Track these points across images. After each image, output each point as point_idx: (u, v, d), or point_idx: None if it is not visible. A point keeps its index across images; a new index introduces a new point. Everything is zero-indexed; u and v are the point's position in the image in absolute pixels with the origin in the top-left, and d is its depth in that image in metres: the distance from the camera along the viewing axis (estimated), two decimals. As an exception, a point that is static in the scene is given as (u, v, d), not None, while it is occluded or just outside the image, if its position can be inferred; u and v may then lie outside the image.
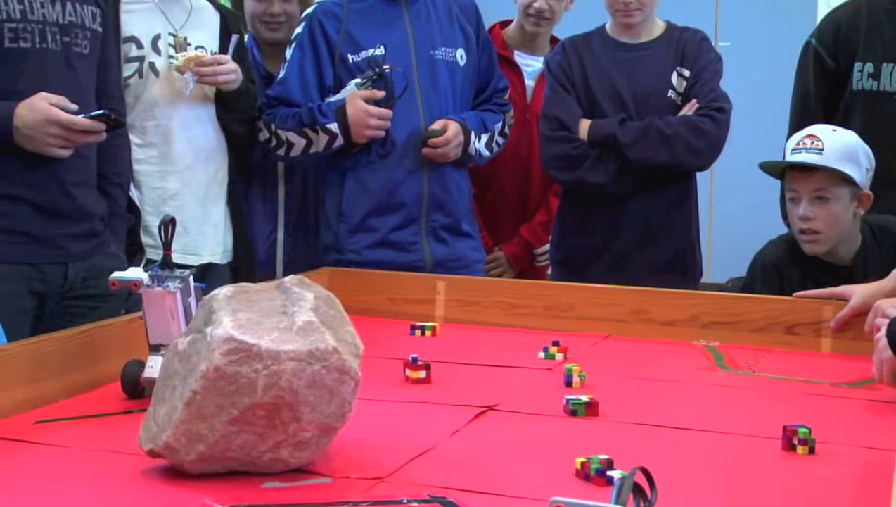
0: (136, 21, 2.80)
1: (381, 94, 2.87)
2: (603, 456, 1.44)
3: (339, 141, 2.89)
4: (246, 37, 3.26)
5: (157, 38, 2.82)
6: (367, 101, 2.86)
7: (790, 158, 2.69)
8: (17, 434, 1.57)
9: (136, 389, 1.77)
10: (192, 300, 1.78)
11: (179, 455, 1.38)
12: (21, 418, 1.66)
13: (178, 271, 1.78)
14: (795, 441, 1.57)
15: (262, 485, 1.38)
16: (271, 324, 1.39)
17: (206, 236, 2.90)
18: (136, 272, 1.78)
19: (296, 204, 3.17)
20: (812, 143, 2.64)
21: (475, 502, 1.34)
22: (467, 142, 2.97)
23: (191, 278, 1.78)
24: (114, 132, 2.49)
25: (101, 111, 2.34)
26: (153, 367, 1.72)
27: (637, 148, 2.97)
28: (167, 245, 1.77)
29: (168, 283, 1.76)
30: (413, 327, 2.39)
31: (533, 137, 3.35)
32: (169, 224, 1.77)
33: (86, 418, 1.68)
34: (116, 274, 1.78)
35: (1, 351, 1.75)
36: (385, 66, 2.88)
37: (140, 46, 2.80)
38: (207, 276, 2.87)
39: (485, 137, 3.04)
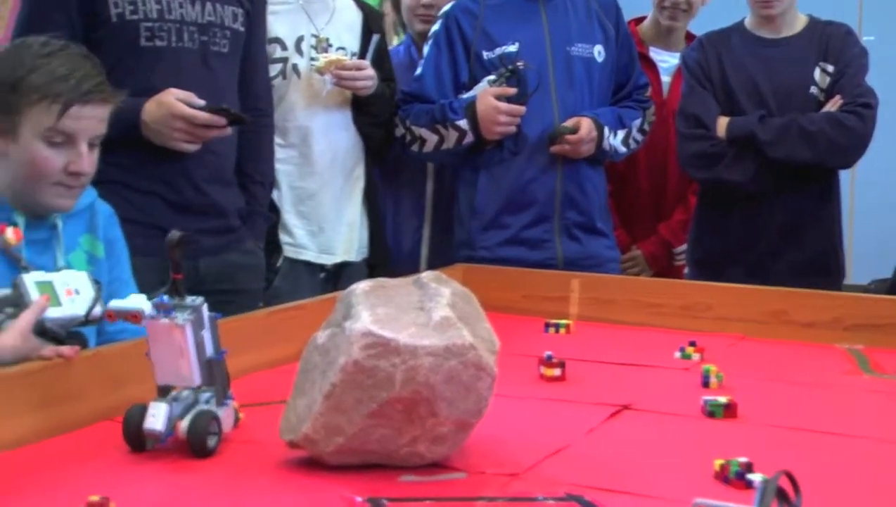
0: (280, 22, 2.85)
1: (512, 90, 2.87)
2: (742, 459, 1.41)
3: (469, 138, 2.90)
4: (404, 38, 3.31)
5: (300, 39, 2.87)
6: (499, 98, 2.86)
7: None
8: (162, 423, 1.62)
9: (139, 440, 1.48)
10: (205, 334, 1.51)
11: (318, 447, 1.40)
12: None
13: (189, 300, 1.50)
14: (946, 449, 1.52)
15: (398, 478, 1.40)
16: (409, 319, 1.40)
17: (341, 235, 2.93)
18: (136, 301, 1.51)
19: (443, 200, 3.19)
20: None
21: (612, 501, 1.32)
22: (601, 138, 2.94)
23: (204, 308, 1.51)
24: (259, 130, 2.54)
25: (220, 106, 2.39)
26: (155, 416, 1.46)
27: (778, 146, 2.91)
28: (176, 269, 1.48)
29: (176, 314, 1.48)
30: (547, 325, 2.39)
31: (670, 134, 3.30)
32: (177, 245, 1.48)
33: (228, 409, 1.71)
34: (113, 304, 1.52)
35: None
36: (518, 63, 2.88)
37: (284, 48, 2.85)
38: (343, 274, 2.91)
39: (621, 134, 3.01)
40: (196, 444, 1.46)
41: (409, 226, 3.18)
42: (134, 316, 1.48)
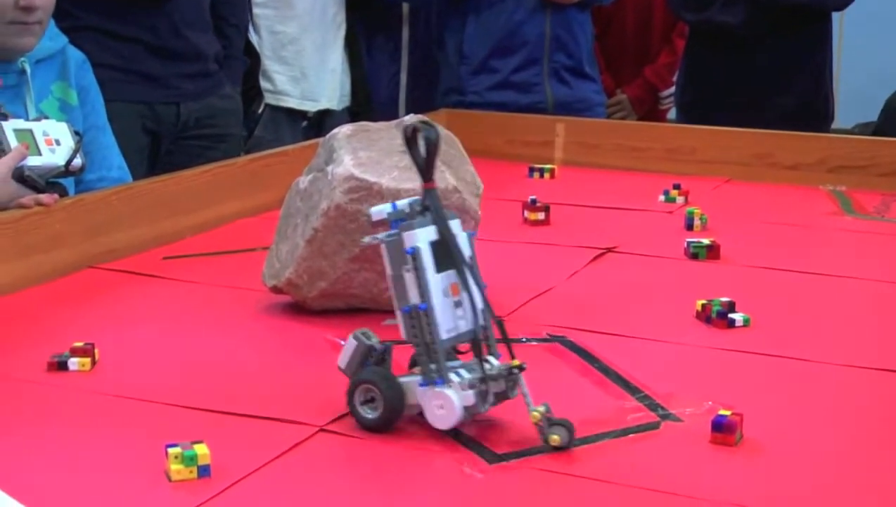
0: None
1: None
2: (724, 299, 1.42)
3: (460, -22, 2.84)
4: None
5: None
6: None
7: None
8: (145, 269, 1.62)
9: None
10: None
11: (302, 292, 1.40)
12: (149, 255, 1.70)
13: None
14: (926, 287, 1.53)
15: (382, 322, 1.40)
16: (391, 162, 1.39)
17: (324, 82, 2.89)
18: None
19: (419, 46, 3.13)
20: None
21: (594, 342, 1.33)
22: (591, -19, 2.89)
23: None
24: None
25: None
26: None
27: (772, -14, 2.84)
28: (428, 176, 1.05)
29: None
30: (531, 169, 2.37)
31: (657, -24, 3.24)
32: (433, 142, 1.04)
33: (211, 255, 1.71)
34: None
35: (128, 189, 1.79)
36: None
37: None
38: (325, 122, 2.87)
39: (610, -24, 2.95)
40: None
41: (385, 73, 3.13)
42: None
